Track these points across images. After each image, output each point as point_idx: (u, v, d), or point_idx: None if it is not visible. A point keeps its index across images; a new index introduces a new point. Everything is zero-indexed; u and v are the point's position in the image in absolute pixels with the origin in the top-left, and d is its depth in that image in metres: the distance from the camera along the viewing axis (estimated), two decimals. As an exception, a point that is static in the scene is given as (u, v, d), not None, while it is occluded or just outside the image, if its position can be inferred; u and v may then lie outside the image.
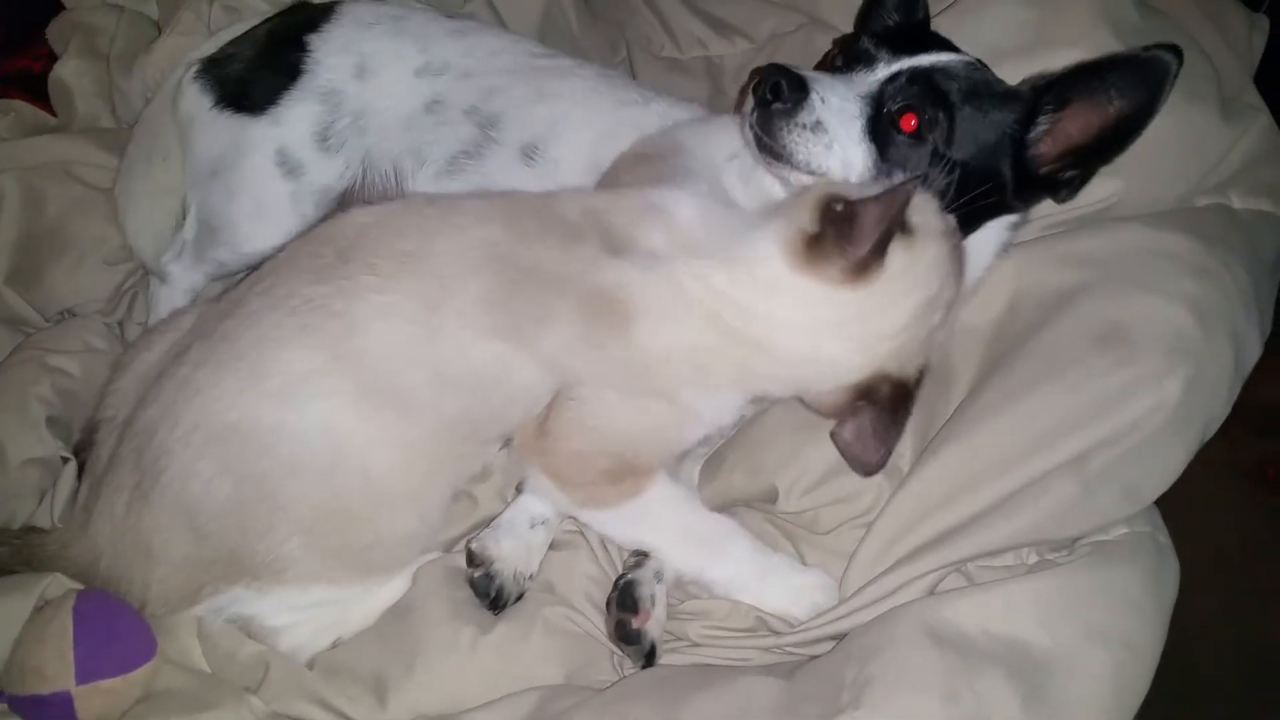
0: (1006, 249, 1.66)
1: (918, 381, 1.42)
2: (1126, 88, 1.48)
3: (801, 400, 1.48)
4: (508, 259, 1.40)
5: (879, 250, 1.32)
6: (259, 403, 1.35)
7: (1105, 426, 1.44)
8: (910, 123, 1.46)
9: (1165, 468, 1.47)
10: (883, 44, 1.54)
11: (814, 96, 1.42)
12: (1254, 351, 1.57)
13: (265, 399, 1.35)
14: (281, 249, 1.51)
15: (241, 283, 1.49)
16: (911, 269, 1.36)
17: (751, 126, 1.46)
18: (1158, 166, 1.69)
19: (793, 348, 1.39)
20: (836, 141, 1.44)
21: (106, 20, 2.18)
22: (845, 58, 1.55)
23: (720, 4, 2.23)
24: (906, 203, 1.32)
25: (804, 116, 1.42)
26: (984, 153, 1.51)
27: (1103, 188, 1.68)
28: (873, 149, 1.46)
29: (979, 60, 1.58)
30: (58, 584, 1.43)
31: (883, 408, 1.40)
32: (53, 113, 2.16)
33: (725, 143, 1.68)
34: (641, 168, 1.65)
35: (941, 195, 1.48)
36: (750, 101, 1.45)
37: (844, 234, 1.31)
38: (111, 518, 1.41)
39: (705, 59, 2.24)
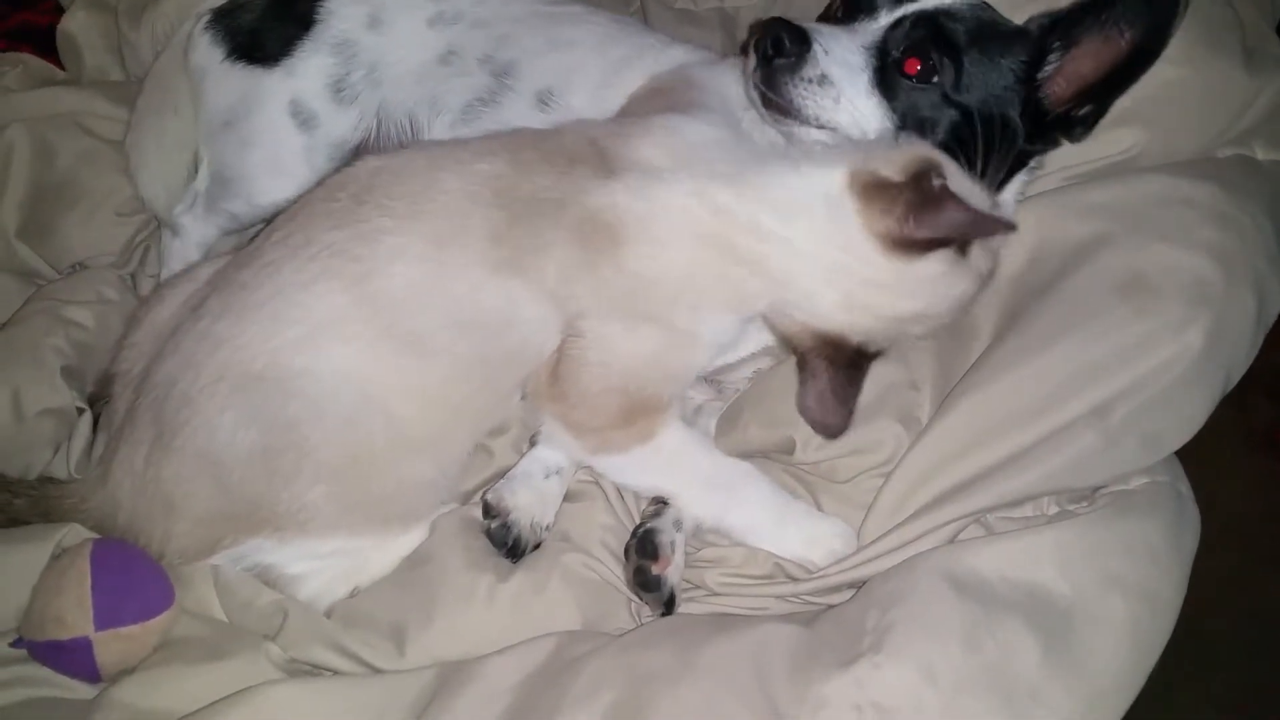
0: (1023, 195, 1.65)
1: (874, 355, 1.43)
2: (1136, 17, 1.45)
3: (766, 318, 1.47)
4: (508, 191, 1.40)
5: (934, 246, 1.32)
6: (283, 350, 1.34)
7: (1127, 376, 1.43)
8: (914, 67, 1.44)
9: (1187, 417, 1.46)
10: None
11: (817, 49, 1.39)
12: (1277, 300, 1.56)
13: (289, 345, 1.34)
14: (295, 201, 1.50)
15: (255, 237, 1.48)
16: (938, 281, 1.36)
17: (756, 85, 1.44)
18: (1180, 117, 1.67)
19: (792, 273, 1.38)
20: (844, 95, 1.42)
21: (115, -28, 2.16)
22: (846, 7, 1.53)
23: (735, -46, 2.20)
24: (991, 233, 1.33)
25: (808, 70, 1.40)
26: (994, 95, 1.48)
27: (1124, 138, 1.66)
28: (883, 99, 1.44)
29: (984, 1, 1.55)
30: (75, 533, 1.43)
31: (839, 370, 1.40)
32: (61, 66, 2.15)
33: (740, 86, 1.67)
34: (657, 100, 1.64)
35: (955, 143, 1.47)
36: (753, 59, 1.43)
37: (921, 207, 1.29)
38: (131, 471, 1.41)
39: (719, 10, 2.22)
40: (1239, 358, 1.50)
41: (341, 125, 1.80)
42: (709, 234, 1.37)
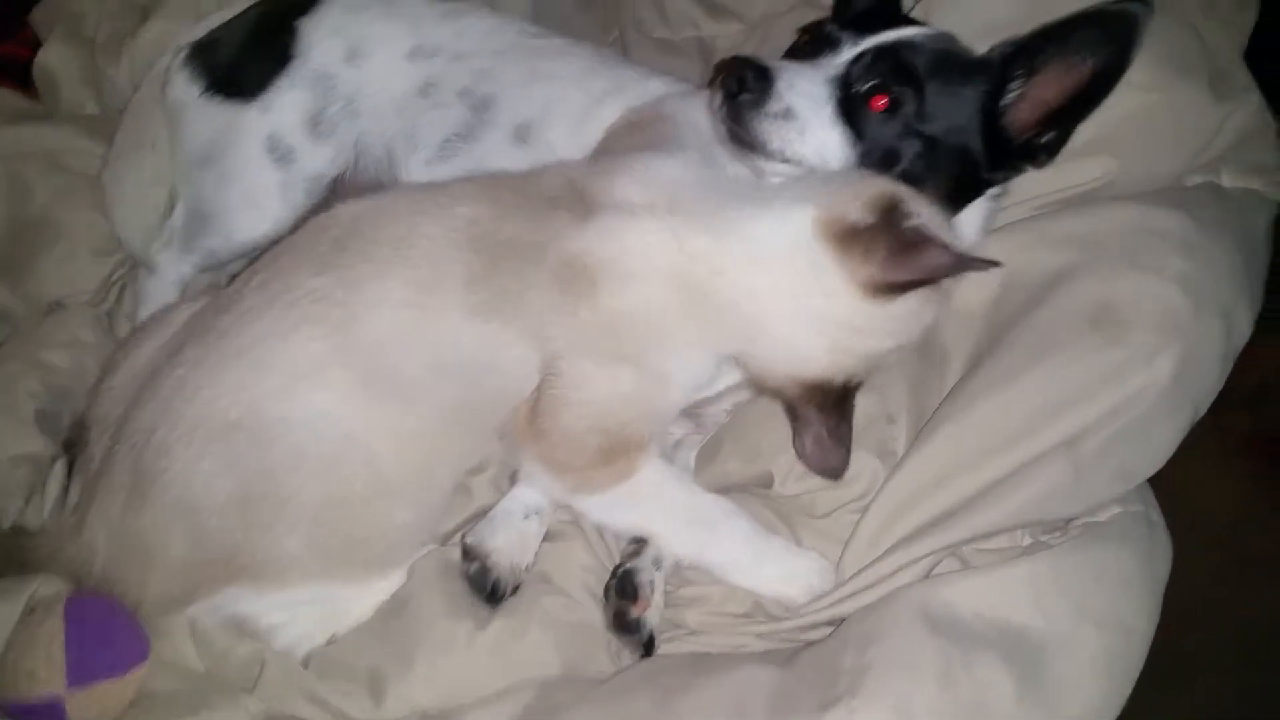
0: (990, 223, 1.66)
1: (858, 386, 1.45)
2: (1097, 44, 1.46)
3: (748, 371, 1.48)
4: (488, 235, 1.40)
5: (913, 287, 1.33)
6: (262, 398, 1.34)
7: (1097, 407, 1.44)
8: (880, 102, 1.45)
9: (1157, 447, 1.48)
10: (848, 27, 1.53)
11: (780, 84, 1.41)
12: (1244, 329, 1.58)
13: (268, 394, 1.34)
14: (274, 244, 1.50)
15: (234, 281, 1.48)
16: (911, 317, 1.39)
17: (722, 120, 1.46)
18: (1149, 145, 1.69)
19: (768, 323, 1.39)
20: (808, 127, 1.43)
21: (91, 5, 2.16)
22: (811, 45, 1.54)
23: (715, -17, 2.22)
24: (972, 270, 1.35)
25: (773, 105, 1.41)
26: (957, 125, 1.50)
27: (1094, 167, 1.68)
28: (847, 131, 1.46)
29: (947, 33, 1.57)
30: (49, 584, 1.42)
31: (829, 413, 1.42)
32: (38, 100, 2.13)
33: None
34: (633, 136, 1.65)
35: (919, 172, 1.48)
36: (718, 95, 1.44)
37: (902, 252, 1.30)
38: (107, 520, 1.40)
39: (698, 39, 2.23)
40: (1207, 387, 1.52)
41: (319, 160, 1.80)
42: (681, 275, 1.38)
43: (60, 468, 1.63)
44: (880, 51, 1.47)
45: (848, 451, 1.45)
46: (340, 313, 1.36)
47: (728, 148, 1.50)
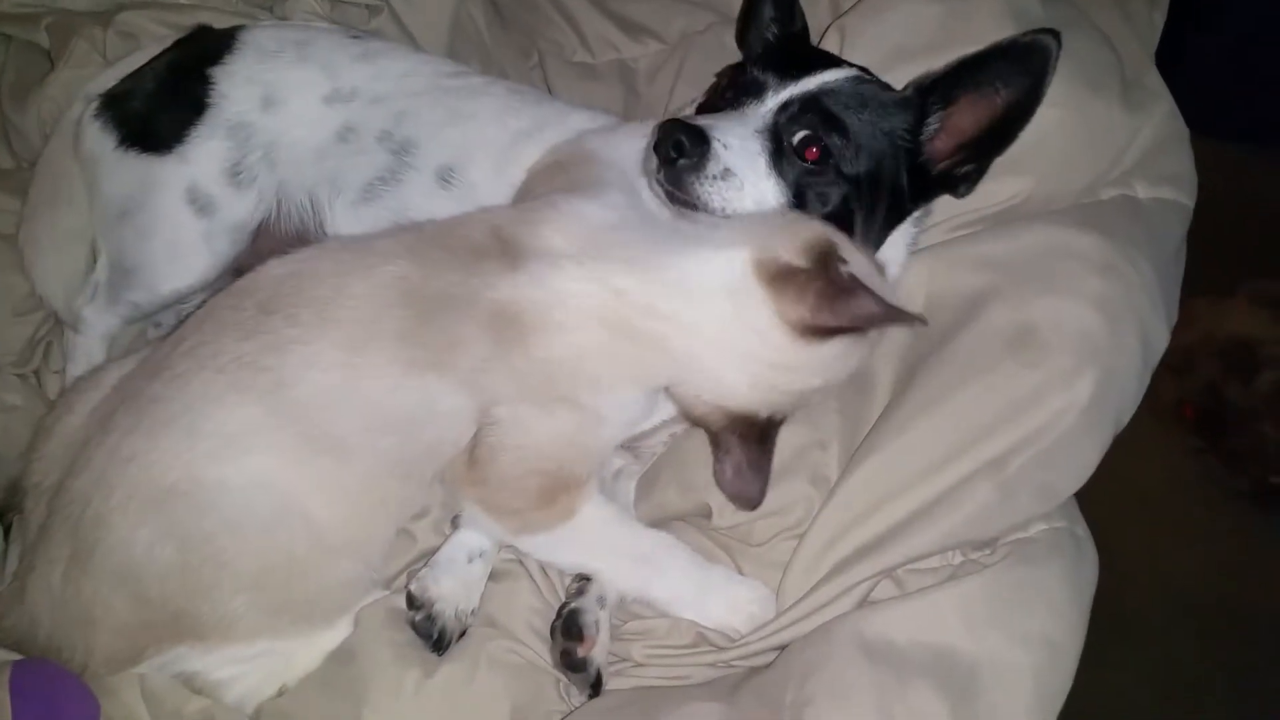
0: (914, 246, 1.70)
1: (781, 422, 1.49)
2: (1011, 76, 1.52)
3: (674, 398, 1.50)
4: (417, 291, 1.41)
5: (841, 333, 1.37)
6: (197, 463, 1.34)
7: (1020, 429, 1.49)
8: (811, 152, 1.49)
9: (1079, 465, 1.53)
10: (768, 68, 1.55)
11: (716, 145, 1.43)
12: (1161, 343, 1.63)
13: (203, 458, 1.34)
14: (201, 299, 1.49)
15: (162, 344, 1.47)
16: (837, 360, 1.43)
17: (661, 183, 1.47)
18: (1063, 161, 1.73)
19: (697, 357, 1.42)
20: (746, 183, 1.46)
21: (-7, 51, 2.11)
22: (734, 90, 1.56)
23: (630, 4, 2.22)
24: (899, 324, 1.39)
25: (711, 168, 1.43)
26: (882, 163, 1.54)
27: (1010, 185, 1.72)
28: (780, 182, 1.48)
29: (863, 69, 1.60)
30: (-8, 654, 1.41)
31: (751, 444, 1.46)
32: (-54, 151, 2.09)
33: (637, 151, 1.68)
34: (557, 178, 1.65)
35: (847, 211, 1.52)
36: (654, 160, 1.46)
37: (834, 297, 1.34)
38: (48, 589, 1.39)
39: (618, 62, 2.23)
40: (1127, 401, 1.58)
41: (240, 209, 1.78)
42: (608, 315, 1.40)
43: (-3, 534, 1.60)
44: (806, 101, 1.50)
45: (765, 483, 1.49)
46: (269, 377, 1.36)
47: (667, 206, 1.52)
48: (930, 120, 1.55)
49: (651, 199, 1.60)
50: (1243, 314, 3.40)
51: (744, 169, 1.45)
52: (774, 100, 1.50)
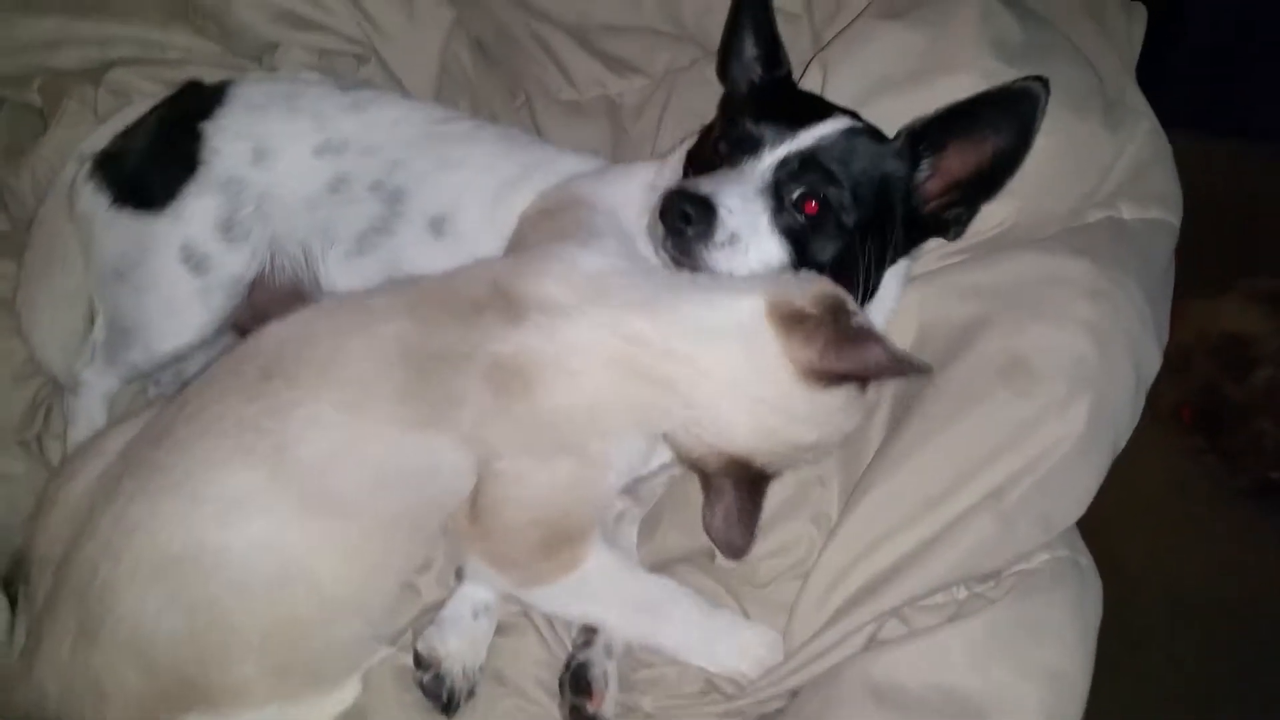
0: (908, 279, 1.71)
1: (772, 477, 1.50)
2: (1000, 123, 1.54)
3: (670, 439, 1.51)
4: (416, 349, 1.42)
5: (848, 379, 1.39)
6: (201, 528, 1.35)
7: (1017, 459, 1.50)
8: (812, 207, 1.50)
9: (1078, 493, 1.53)
10: (762, 119, 1.55)
11: (722, 212, 1.44)
12: (1154, 364, 1.64)
13: (207, 523, 1.35)
14: (200, 366, 1.50)
15: (165, 409, 1.48)
16: (839, 413, 1.44)
17: (667, 250, 1.48)
18: (1049, 185, 1.74)
19: (707, 398, 1.42)
20: (751, 246, 1.47)
21: (-15, 113, 2.12)
22: (728, 143, 1.56)
23: (614, 41, 2.22)
24: (906, 374, 1.41)
25: (719, 235, 1.45)
26: (878, 212, 1.56)
27: (997, 211, 1.72)
28: (782, 238, 1.50)
29: (854, 115, 1.61)
30: (2, 729, 1.42)
31: (743, 492, 1.47)
32: (-59, 214, 2.09)
33: (630, 193, 1.70)
34: (549, 224, 1.67)
35: (846, 258, 1.53)
36: (660, 227, 1.46)
37: (844, 341, 1.36)
38: (57, 661, 1.39)
39: (605, 98, 2.24)
40: (1123, 425, 1.59)
41: (235, 264, 1.79)
42: (621, 362, 1.41)
43: (3, 609, 1.61)
44: (804, 159, 1.51)
45: (753, 533, 1.50)
46: (271, 440, 1.37)
47: (672, 269, 1.53)
48: (922, 166, 1.57)
49: (646, 247, 1.61)
50: (1236, 311, 3.41)
51: (748, 231, 1.46)
52: (771, 157, 1.51)
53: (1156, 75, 2.13)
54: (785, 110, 1.57)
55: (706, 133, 1.66)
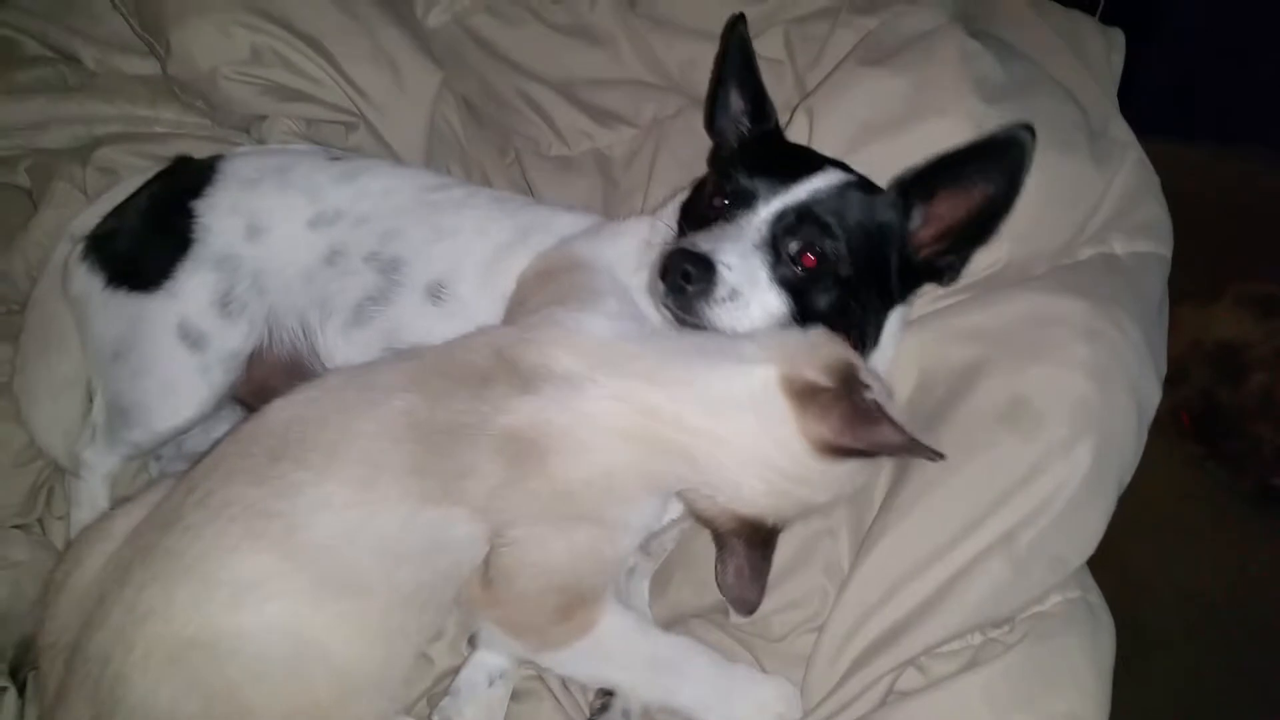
0: (905, 323, 1.72)
1: (780, 530, 1.50)
2: (989, 171, 1.56)
3: (684, 498, 1.52)
4: (425, 423, 1.42)
5: (859, 455, 1.40)
6: (215, 613, 1.34)
7: (1025, 502, 1.51)
8: (810, 260, 1.52)
9: (1087, 533, 1.54)
10: (755, 174, 1.56)
11: (722, 270, 1.45)
12: (1154, 399, 1.65)
13: (221, 608, 1.34)
14: (205, 447, 1.49)
15: (172, 493, 1.47)
16: (847, 478, 1.46)
17: (669, 307, 1.49)
18: (1039, 224, 1.75)
19: (721, 465, 1.42)
20: (752, 301, 1.48)
21: (-26, 194, 2.12)
22: (723, 197, 1.57)
23: (601, 94, 2.24)
24: (916, 456, 1.41)
25: (720, 291, 1.46)
26: (874, 262, 1.57)
27: (990, 251, 1.73)
28: (781, 292, 1.51)
29: (844, 166, 1.63)
30: (16, 824, 1.41)
31: (754, 549, 1.47)
32: (-67, 297, 2.09)
33: (626, 250, 1.71)
34: (548, 286, 1.66)
35: (842, 309, 1.54)
36: (660, 285, 1.47)
37: (858, 421, 1.37)
38: None
39: (594, 151, 2.25)
40: (1127, 462, 1.59)
41: (232, 339, 1.78)
42: (635, 431, 1.41)
43: (11, 699, 1.59)
44: (800, 213, 1.52)
45: (763, 588, 1.50)
46: (281, 523, 1.37)
47: (675, 327, 1.54)
48: (914, 215, 1.59)
49: (646, 303, 1.61)
50: (1228, 318, 3.42)
51: (748, 286, 1.48)
52: (767, 211, 1.53)
53: (1126, 81, 2.15)
54: (778, 164, 1.58)
55: (699, 187, 1.68)
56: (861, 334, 1.58)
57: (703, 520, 1.52)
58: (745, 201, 1.54)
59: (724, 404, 1.41)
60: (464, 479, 1.40)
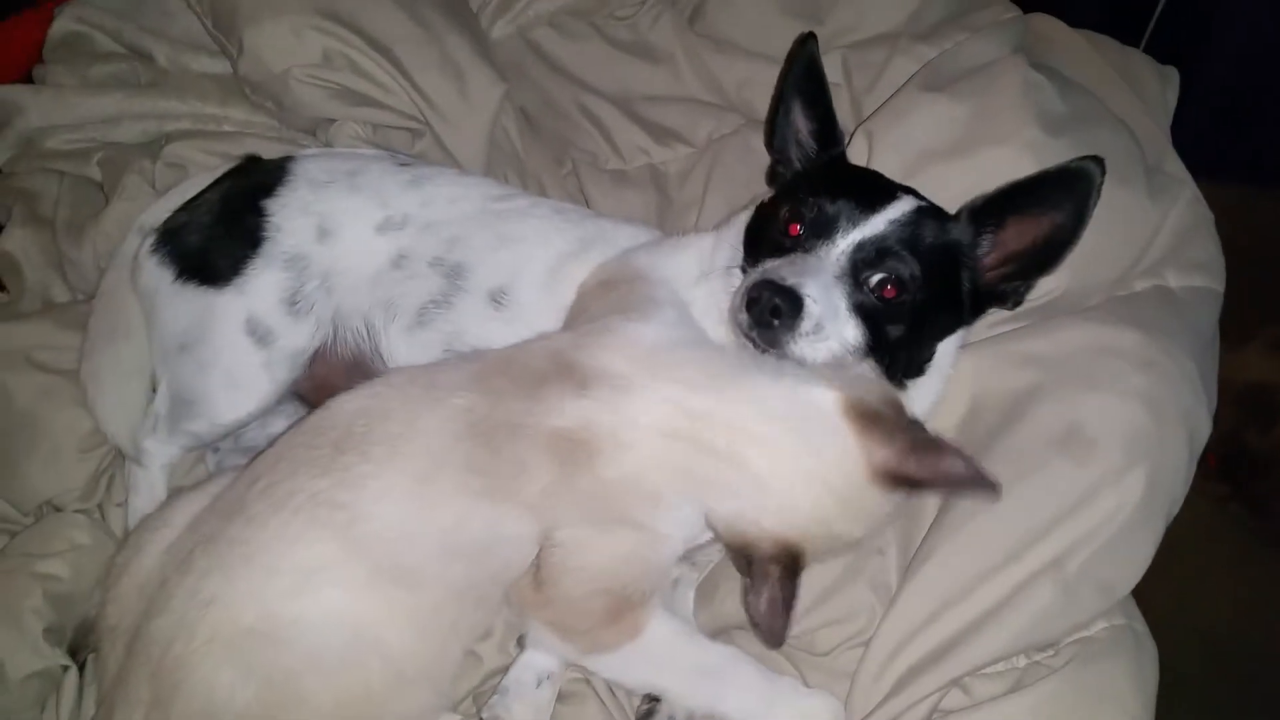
0: (964, 345, 1.74)
1: (805, 565, 1.47)
2: (1058, 200, 1.57)
3: (722, 522, 1.47)
4: (484, 422, 1.45)
5: (915, 485, 1.39)
6: (276, 601, 1.38)
7: (1076, 528, 1.53)
8: (890, 291, 1.53)
9: (1136, 559, 1.56)
10: (833, 202, 1.56)
11: (809, 304, 1.47)
12: (1205, 432, 1.67)
13: (281, 596, 1.38)
14: (274, 443, 1.52)
15: (236, 483, 1.51)
16: (888, 514, 1.44)
17: (753, 339, 1.50)
18: (1096, 254, 1.76)
19: (771, 479, 1.42)
20: (834, 334, 1.50)
21: (48, 185, 2.17)
22: (799, 223, 1.58)
23: (659, 111, 2.28)
24: (975, 491, 1.42)
25: (805, 325, 1.47)
26: (947, 289, 1.59)
27: (1047, 281, 1.74)
28: (860, 322, 1.52)
29: (914, 192, 1.63)
30: (77, 804, 1.44)
31: (787, 580, 1.43)
32: (2, 285, 2.14)
33: (686, 265, 1.73)
34: (608, 296, 1.69)
35: (915, 334, 1.57)
36: (745, 317, 1.49)
37: (923, 450, 1.37)
38: None
39: (649, 166, 2.29)
40: (1177, 493, 1.61)
41: (298, 337, 1.82)
42: (680, 433, 1.42)
43: (73, 677, 1.63)
44: (880, 246, 1.53)
45: (790, 622, 1.46)
46: (344, 514, 1.40)
47: (749, 350, 1.54)
48: (983, 242, 1.60)
49: (704, 317, 1.64)
50: (1259, 361, 3.42)
51: (830, 320, 1.49)
52: (845, 242, 1.53)
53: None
54: (853, 191, 1.59)
55: (766, 209, 1.69)
56: (920, 359, 1.60)
57: (739, 546, 1.48)
58: (823, 231, 1.55)
59: (784, 415, 1.42)
60: (517, 477, 1.43)
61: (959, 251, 1.59)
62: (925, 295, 1.55)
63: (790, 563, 1.43)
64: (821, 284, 1.49)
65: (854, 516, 1.42)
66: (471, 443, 1.44)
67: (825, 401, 1.41)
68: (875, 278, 1.52)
